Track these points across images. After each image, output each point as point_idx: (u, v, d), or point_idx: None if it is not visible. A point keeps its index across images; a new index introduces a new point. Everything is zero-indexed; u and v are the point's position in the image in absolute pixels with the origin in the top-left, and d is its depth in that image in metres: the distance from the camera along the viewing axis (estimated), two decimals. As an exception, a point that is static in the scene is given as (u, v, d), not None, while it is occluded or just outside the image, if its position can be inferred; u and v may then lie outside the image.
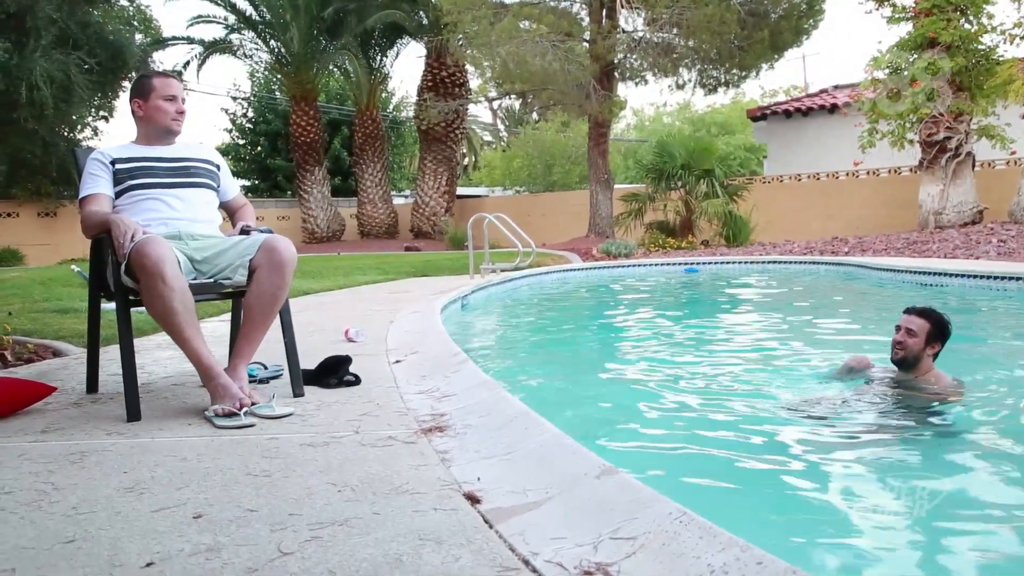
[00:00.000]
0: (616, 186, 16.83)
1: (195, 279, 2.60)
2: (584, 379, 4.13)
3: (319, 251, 17.64)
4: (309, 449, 2.04)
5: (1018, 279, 6.41)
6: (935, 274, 7.31)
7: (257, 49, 22.06)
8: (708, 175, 13.39)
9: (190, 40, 21.36)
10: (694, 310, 7.28)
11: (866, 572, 1.78)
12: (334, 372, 2.88)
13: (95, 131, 18.38)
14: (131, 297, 2.55)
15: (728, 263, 10.22)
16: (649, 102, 63.21)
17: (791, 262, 9.96)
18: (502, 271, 8.73)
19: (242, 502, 1.64)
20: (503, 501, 1.59)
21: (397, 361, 3.40)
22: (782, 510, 2.17)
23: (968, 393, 3.14)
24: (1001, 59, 11.60)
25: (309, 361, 2.94)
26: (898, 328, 3.11)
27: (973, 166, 12.02)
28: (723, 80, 15.67)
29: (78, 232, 2.87)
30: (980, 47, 11.67)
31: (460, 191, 24.65)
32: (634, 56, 15.02)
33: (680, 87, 15.77)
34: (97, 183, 2.74)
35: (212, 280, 2.63)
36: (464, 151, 31.79)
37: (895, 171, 14.61)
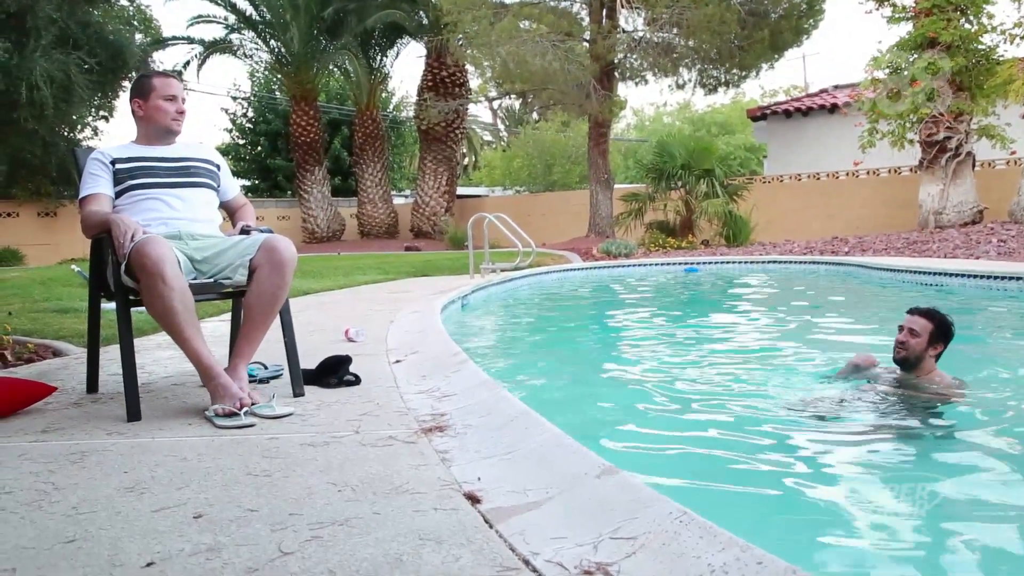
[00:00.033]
0: (616, 186, 16.84)
1: (195, 279, 2.60)
2: (584, 379, 4.13)
3: (319, 251, 17.64)
4: (309, 449, 2.04)
5: (1018, 279, 6.41)
6: (935, 274, 7.31)
7: (257, 49, 22.09)
8: (708, 175, 13.40)
9: (190, 40, 21.37)
10: (694, 310, 7.28)
11: (866, 572, 1.78)
12: (334, 372, 2.88)
13: (95, 131, 18.41)
14: (131, 297, 2.55)
15: (728, 263, 10.22)
16: (649, 102, 63.26)
17: (791, 262, 9.96)
18: (502, 271, 8.73)
19: (242, 502, 1.64)
20: (503, 501, 1.59)
21: (397, 361, 3.40)
22: (782, 510, 2.17)
23: (969, 393, 3.14)
24: (1001, 59, 11.60)
25: (309, 361, 2.94)
26: (901, 328, 3.11)
27: (973, 166, 12.02)
28: (723, 80, 15.67)
29: (78, 232, 2.87)
30: (980, 47, 11.67)
31: (460, 191, 24.65)
32: (634, 56, 15.02)
33: (680, 87, 15.78)
34: (97, 183, 2.74)
35: (212, 280, 2.63)
36: (464, 151, 31.79)
37: (895, 171, 14.62)
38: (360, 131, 22.14)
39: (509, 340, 5.77)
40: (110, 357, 3.34)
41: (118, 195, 2.77)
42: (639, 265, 10.34)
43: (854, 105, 12.94)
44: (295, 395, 2.69)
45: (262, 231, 2.84)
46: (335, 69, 23.50)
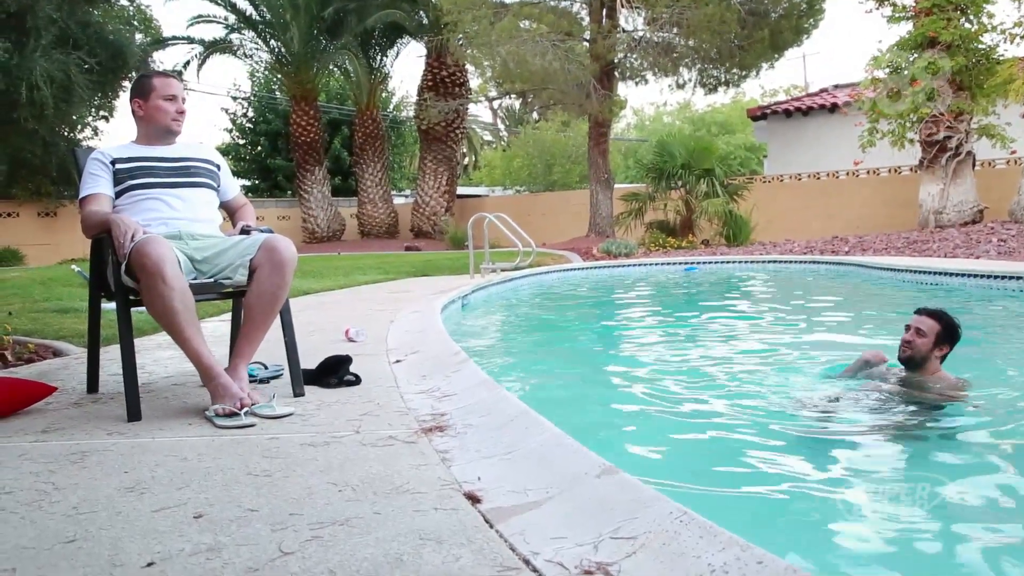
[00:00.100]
0: (616, 186, 16.83)
1: (195, 279, 2.60)
2: (585, 378, 4.13)
3: (319, 251, 17.65)
4: (310, 449, 2.04)
5: (1018, 278, 6.41)
6: (935, 273, 7.31)
7: (257, 49, 22.09)
8: (708, 174, 13.39)
9: (190, 40, 21.38)
10: (695, 310, 7.28)
11: (867, 572, 1.78)
12: (334, 372, 2.88)
13: (95, 131, 18.43)
14: (131, 297, 2.56)
15: (728, 262, 10.22)
16: (649, 101, 63.29)
17: (791, 261, 9.96)
18: (502, 271, 8.73)
19: (243, 502, 1.64)
20: (503, 501, 1.59)
21: (397, 361, 3.40)
22: (783, 510, 2.17)
23: (972, 393, 3.14)
24: (1001, 58, 11.59)
25: (309, 361, 2.94)
26: (908, 327, 3.12)
27: (973, 165, 12.02)
28: (723, 79, 15.67)
29: (78, 232, 2.87)
30: (980, 46, 11.66)
31: (460, 191, 24.65)
32: (634, 56, 15.01)
33: (680, 87, 15.78)
34: (97, 183, 2.74)
35: (212, 280, 2.63)
36: (464, 151, 31.79)
37: (895, 170, 14.61)
38: (360, 131, 22.14)
39: (509, 340, 5.77)
40: (110, 357, 3.34)
41: (118, 195, 2.77)
42: (639, 265, 10.34)
43: (854, 105, 12.94)
44: (295, 395, 2.69)
45: (262, 231, 2.84)
46: (335, 69, 23.50)
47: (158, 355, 3.70)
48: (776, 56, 15.05)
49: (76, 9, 7.17)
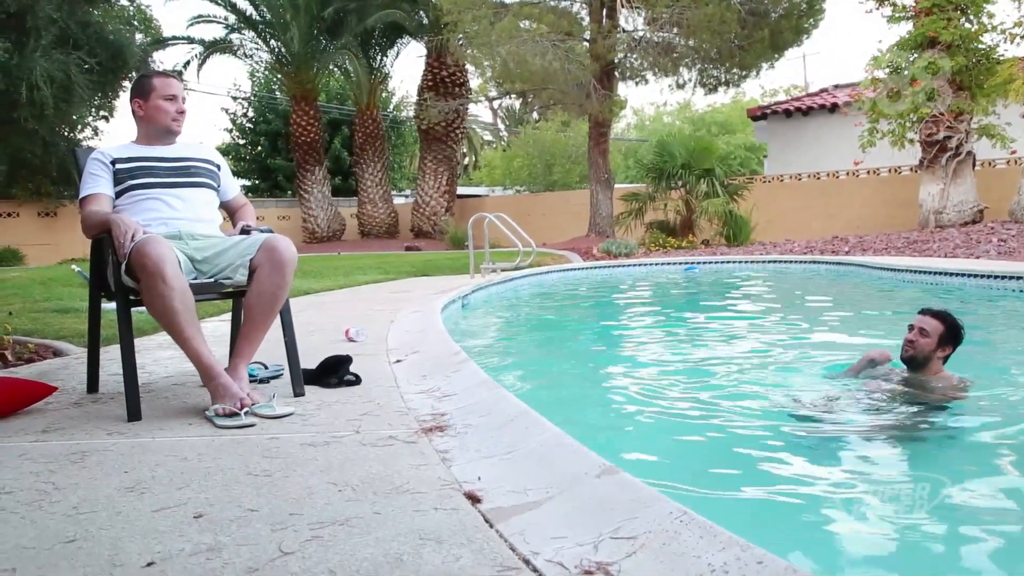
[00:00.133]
0: (616, 185, 16.83)
1: (195, 279, 2.60)
2: (584, 378, 4.13)
3: (319, 251, 17.65)
4: (310, 449, 2.04)
5: (1018, 278, 6.41)
6: (935, 273, 7.31)
7: (257, 49, 22.09)
8: (708, 174, 13.39)
9: (190, 40, 21.38)
10: (695, 310, 7.28)
11: (867, 572, 1.78)
12: (334, 372, 2.88)
13: (95, 131, 18.43)
14: (131, 297, 2.56)
15: (728, 262, 10.22)
16: (649, 101, 63.30)
17: (791, 261, 9.96)
18: (502, 271, 8.73)
19: (243, 502, 1.64)
20: (503, 500, 1.59)
21: (398, 361, 3.40)
22: (783, 509, 2.17)
23: (973, 393, 3.14)
24: (1001, 58, 11.59)
25: (309, 361, 2.94)
26: (911, 327, 3.13)
27: (973, 165, 12.02)
28: (723, 79, 15.67)
29: (78, 232, 2.87)
30: (980, 46, 11.66)
31: (460, 191, 24.65)
32: (634, 55, 15.01)
33: (680, 87, 15.77)
34: (97, 183, 2.74)
35: (212, 280, 2.63)
36: (464, 151, 31.80)
37: (895, 170, 14.61)
38: (360, 131, 22.14)
39: (509, 340, 5.77)
40: (110, 357, 3.34)
41: (118, 195, 2.77)
42: (639, 265, 10.34)
43: (854, 105, 12.94)
44: (295, 395, 2.69)
45: (262, 231, 2.84)
46: (335, 69, 23.51)
47: (158, 355, 3.70)
48: (776, 56, 15.05)
49: (76, 9, 7.17)
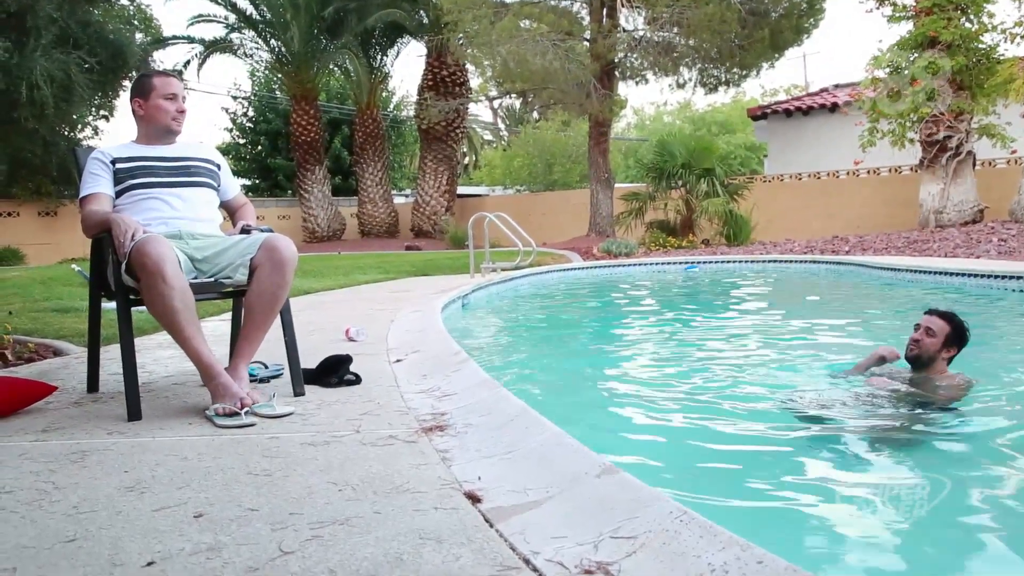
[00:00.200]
0: (617, 185, 16.83)
1: (196, 278, 2.60)
2: (585, 378, 4.13)
3: (320, 250, 17.65)
4: (310, 448, 2.04)
5: (1018, 278, 6.41)
6: (936, 273, 7.32)
7: (257, 48, 22.08)
8: (709, 174, 13.39)
9: (190, 39, 21.37)
10: (695, 309, 7.28)
11: (867, 572, 1.78)
12: (335, 371, 2.88)
13: (95, 130, 18.43)
14: (132, 296, 2.56)
15: (729, 262, 10.22)
16: (650, 101, 63.33)
17: (792, 261, 9.96)
18: (503, 270, 8.73)
19: (243, 501, 1.64)
20: (504, 500, 1.59)
21: (398, 360, 3.40)
22: (783, 509, 2.17)
23: (976, 392, 3.15)
24: (1001, 58, 11.58)
25: (310, 360, 2.94)
26: (917, 327, 3.14)
27: (974, 165, 12.02)
28: (723, 79, 15.67)
29: (78, 231, 2.87)
30: (980, 46, 11.66)
31: (461, 190, 24.64)
32: (634, 55, 15.00)
33: (680, 86, 15.77)
34: (97, 182, 2.74)
35: (213, 279, 2.63)
36: (464, 150, 31.79)
37: (896, 170, 14.61)
38: (360, 130, 22.14)
39: (509, 339, 5.77)
40: (110, 356, 3.34)
41: (118, 195, 2.77)
42: (639, 264, 10.34)
43: (854, 104, 12.93)
44: (295, 394, 2.69)
45: (263, 230, 2.84)
46: (335, 68, 23.49)
47: (158, 354, 3.70)
48: (776, 56, 15.04)
49: (76, 9, 7.18)
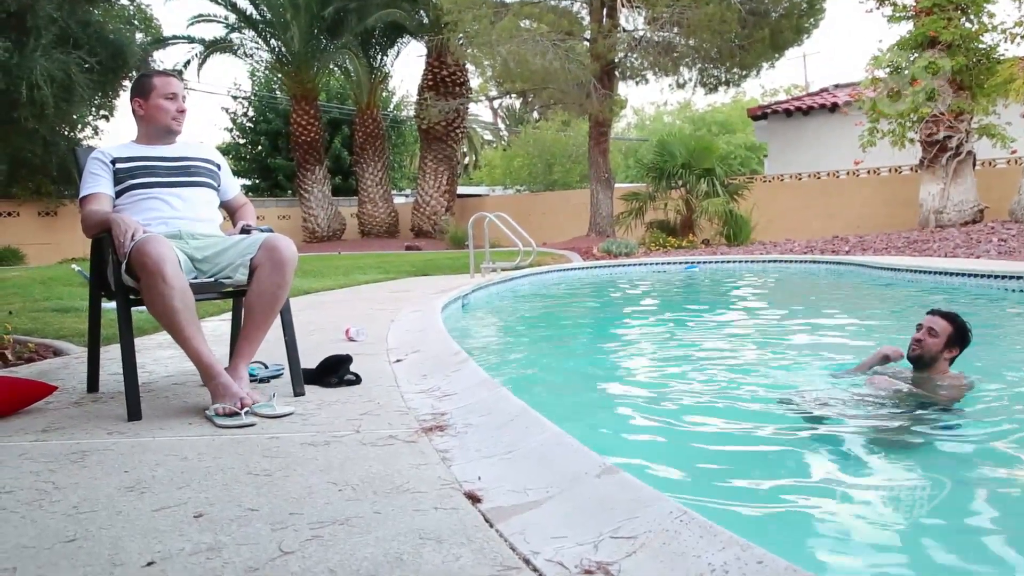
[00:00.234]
0: (617, 185, 16.83)
1: (196, 278, 2.60)
2: (585, 378, 4.13)
3: (320, 250, 17.65)
4: (310, 448, 2.04)
5: (1018, 278, 6.41)
6: (936, 273, 7.31)
7: (257, 48, 22.09)
8: (709, 174, 13.39)
9: (190, 39, 21.37)
10: (695, 309, 7.28)
11: (867, 572, 1.78)
12: (335, 371, 2.88)
13: (96, 130, 18.43)
14: (132, 296, 2.56)
15: (729, 262, 10.22)
16: (650, 101, 63.33)
17: (792, 261, 9.96)
18: (503, 270, 8.73)
19: (243, 501, 1.64)
20: (504, 500, 1.59)
21: (398, 360, 3.40)
22: (783, 509, 2.17)
23: (975, 392, 3.15)
24: (1002, 58, 11.59)
25: (310, 360, 2.94)
26: (919, 327, 3.14)
27: (974, 165, 12.02)
28: (724, 79, 15.67)
29: (78, 231, 2.87)
30: (981, 46, 11.66)
31: (461, 190, 24.64)
32: (635, 55, 15.01)
33: (681, 86, 15.77)
34: (98, 182, 2.74)
35: (213, 279, 2.63)
36: (465, 150, 31.79)
37: (896, 170, 14.61)
38: (360, 130, 22.14)
39: (509, 339, 5.77)
40: (110, 356, 3.34)
41: (118, 194, 2.77)
42: (640, 264, 10.34)
43: (854, 104, 12.94)
44: (295, 394, 2.69)
45: (263, 230, 2.84)
46: (335, 68, 23.49)
47: (158, 354, 3.70)
48: (776, 56, 15.04)
49: (76, 8, 7.18)
